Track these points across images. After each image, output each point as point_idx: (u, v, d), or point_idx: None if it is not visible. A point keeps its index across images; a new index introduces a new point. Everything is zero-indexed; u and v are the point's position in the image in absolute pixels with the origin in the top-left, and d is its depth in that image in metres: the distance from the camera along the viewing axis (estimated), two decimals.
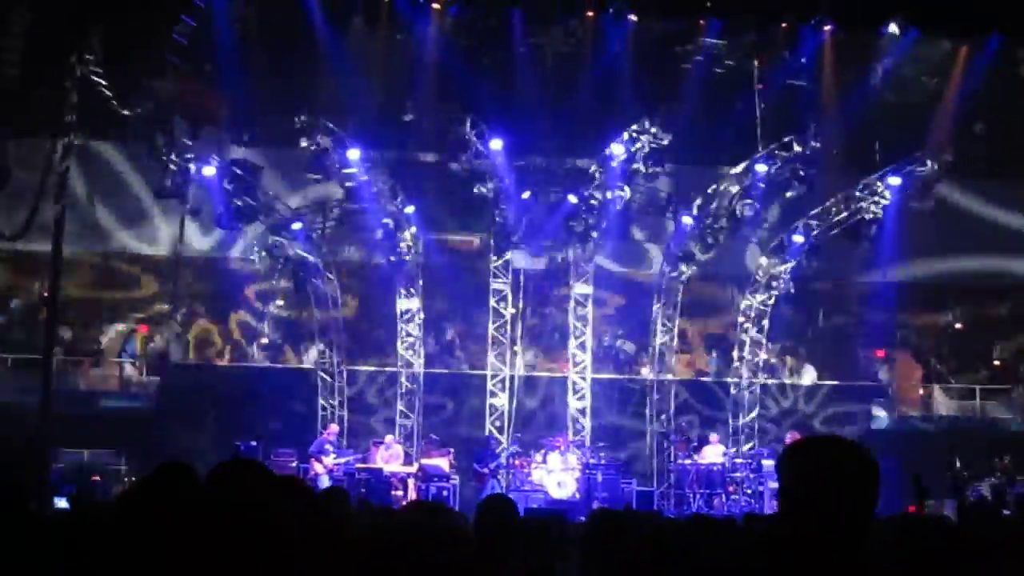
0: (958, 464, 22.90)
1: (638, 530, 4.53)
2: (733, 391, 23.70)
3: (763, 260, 23.49)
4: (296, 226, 21.74)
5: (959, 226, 27.63)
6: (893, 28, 22.03)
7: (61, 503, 7.82)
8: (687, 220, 22.35)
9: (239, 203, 21.02)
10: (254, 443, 20.91)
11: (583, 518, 17.87)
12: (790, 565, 2.83)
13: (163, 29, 20.96)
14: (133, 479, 20.31)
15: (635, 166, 21.34)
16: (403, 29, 23.10)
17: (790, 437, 20.56)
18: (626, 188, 22.07)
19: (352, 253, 25.68)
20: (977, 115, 24.19)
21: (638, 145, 20.89)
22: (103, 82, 20.00)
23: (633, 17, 22.42)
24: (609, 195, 22.19)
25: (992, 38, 22.32)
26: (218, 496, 2.65)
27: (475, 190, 22.11)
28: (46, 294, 24.34)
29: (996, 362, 27.69)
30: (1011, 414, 25.78)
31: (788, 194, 21.87)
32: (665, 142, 20.81)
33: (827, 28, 22.60)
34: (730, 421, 23.44)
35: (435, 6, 22.02)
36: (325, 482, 19.80)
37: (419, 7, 22.07)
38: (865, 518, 2.87)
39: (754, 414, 23.41)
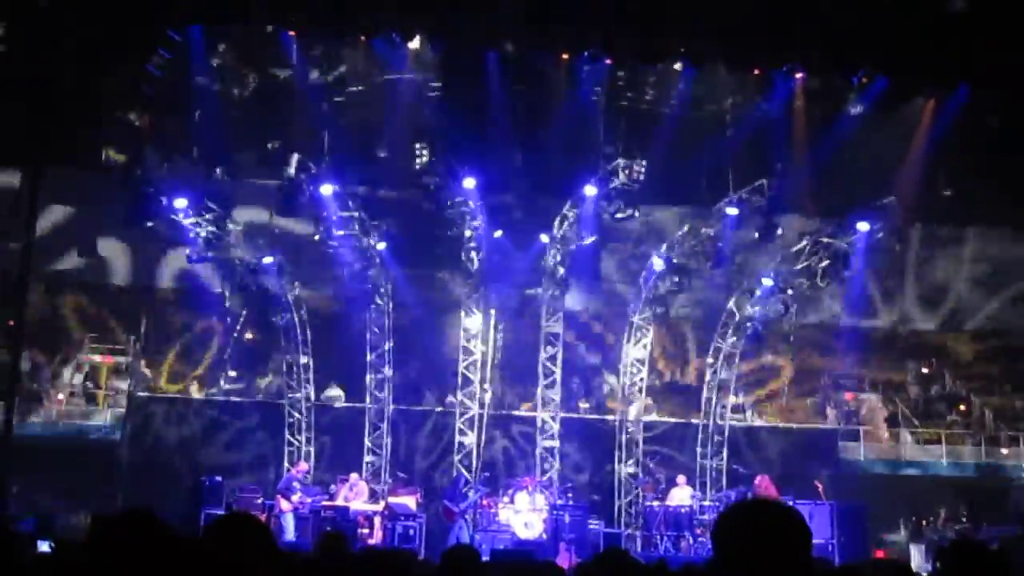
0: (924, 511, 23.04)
1: None
2: (702, 433, 23.69)
3: (733, 303, 23.59)
4: (267, 260, 21.66)
5: (927, 272, 27.98)
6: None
7: (44, 547, 7.67)
8: (658, 261, 22.46)
9: (210, 236, 20.94)
10: (219, 478, 20.70)
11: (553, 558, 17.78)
12: None
13: (138, 61, 20.93)
14: (94, 513, 20.03)
15: (607, 206, 21.44)
16: (379, 67, 23.18)
17: (759, 480, 20.55)
18: (598, 228, 22.23)
19: (323, 288, 25.59)
20: (945, 163, 24.51)
21: (611, 186, 21.00)
22: (76, 112, 19.95)
23: (608, 61, 22.61)
24: (582, 235, 22.30)
25: (961, 88, 22.67)
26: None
27: (447, 228, 22.15)
28: (11, 323, 24.09)
29: (963, 407, 27.90)
30: (976, 460, 25.97)
31: (758, 237, 22.02)
32: (637, 184, 20.92)
33: (798, 75, 22.90)
34: (698, 462, 23.43)
35: (411, 46, 22.13)
36: (290, 520, 19.63)
37: (395, 46, 22.16)
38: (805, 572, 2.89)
39: (722, 456, 23.43)
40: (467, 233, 22.25)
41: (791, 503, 19.73)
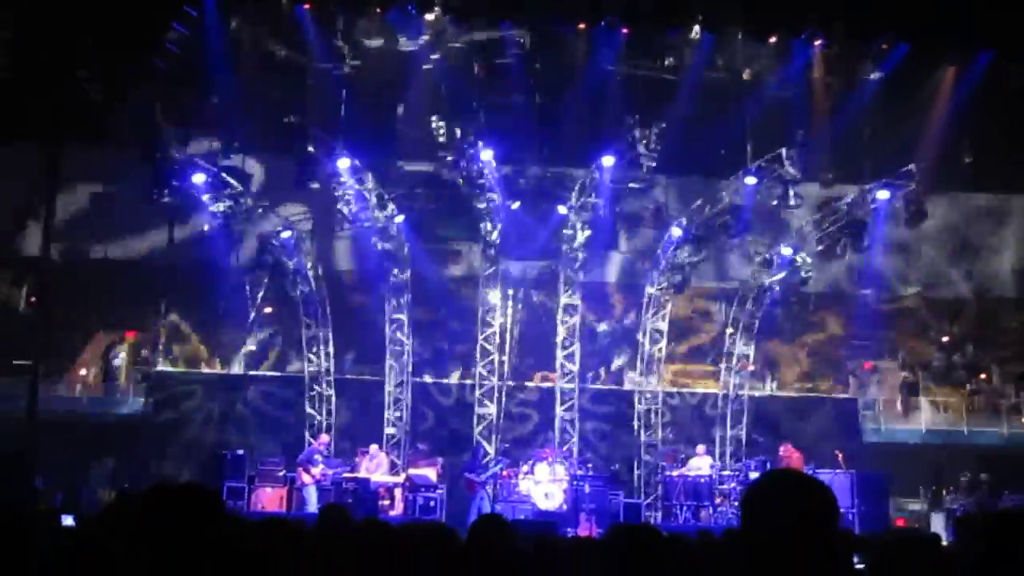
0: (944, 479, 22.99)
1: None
2: (720, 402, 23.68)
3: (751, 272, 23.52)
4: (285, 234, 21.70)
5: (947, 239, 27.78)
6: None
7: (67, 521, 7.75)
8: (676, 231, 22.38)
9: (228, 211, 20.99)
10: (241, 452, 20.84)
11: (571, 530, 17.87)
12: None
13: (154, 37, 20.93)
14: (120, 487, 20.25)
15: (625, 176, 21.36)
16: (395, 40, 23.10)
17: (784, 449, 20.54)
18: (616, 199, 22.16)
19: (341, 262, 25.63)
20: (966, 130, 24.29)
21: (629, 156, 20.89)
22: (93, 89, 19.97)
23: (625, 30, 22.46)
24: (600, 206, 22.23)
25: (982, 54, 22.43)
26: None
27: (465, 200, 22.13)
28: (33, 300, 24.29)
29: (982, 375, 27.79)
30: (997, 428, 25.89)
31: (777, 206, 21.91)
32: (656, 154, 20.81)
33: (817, 42, 22.71)
34: (717, 432, 23.43)
35: (427, 17, 22.03)
36: (312, 492, 19.74)
37: (411, 18, 22.07)
38: (831, 548, 2.88)
39: (742, 426, 23.42)
40: (484, 205, 22.20)
41: (812, 472, 19.80)
